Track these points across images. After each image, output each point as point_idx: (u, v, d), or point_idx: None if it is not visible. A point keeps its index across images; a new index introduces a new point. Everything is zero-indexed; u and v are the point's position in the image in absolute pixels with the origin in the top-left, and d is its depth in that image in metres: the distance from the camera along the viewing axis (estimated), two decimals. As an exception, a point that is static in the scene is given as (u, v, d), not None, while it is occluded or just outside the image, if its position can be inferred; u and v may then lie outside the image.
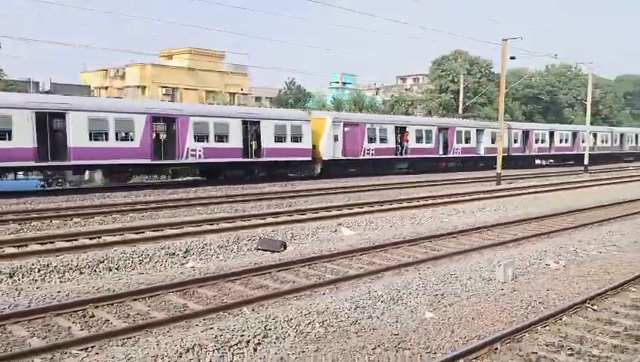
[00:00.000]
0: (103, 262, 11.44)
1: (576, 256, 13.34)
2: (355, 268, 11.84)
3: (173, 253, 12.41)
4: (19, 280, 10.31)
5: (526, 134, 48.80)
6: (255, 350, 7.32)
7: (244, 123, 28.49)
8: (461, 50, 56.76)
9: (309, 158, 31.02)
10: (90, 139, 23.20)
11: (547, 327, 8.30)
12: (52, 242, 12.80)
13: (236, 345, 7.35)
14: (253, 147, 28.60)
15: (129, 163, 24.72)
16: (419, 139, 36.44)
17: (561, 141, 53.04)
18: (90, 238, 13.43)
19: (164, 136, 26.52)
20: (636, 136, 66.23)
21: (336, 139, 32.05)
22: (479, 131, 43.37)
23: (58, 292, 9.53)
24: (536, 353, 7.36)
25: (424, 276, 10.72)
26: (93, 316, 8.51)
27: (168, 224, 15.56)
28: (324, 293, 9.81)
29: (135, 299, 9.23)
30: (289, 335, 7.81)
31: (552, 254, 13.26)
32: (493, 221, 17.91)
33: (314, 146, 31.10)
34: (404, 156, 36.80)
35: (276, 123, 29.63)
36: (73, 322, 8.25)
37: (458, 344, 7.54)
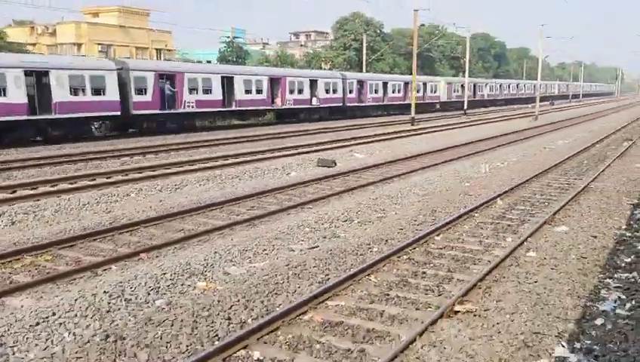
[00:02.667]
0: (239, 176, 17.57)
1: (508, 162, 21.78)
2: (393, 171, 19.03)
3: (277, 168, 18.75)
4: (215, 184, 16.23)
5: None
6: (403, 197, 14.41)
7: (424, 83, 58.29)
8: (358, 12, 64.77)
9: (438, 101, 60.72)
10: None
11: (523, 186, 16.31)
12: (193, 164, 18.67)
13: (390, 197, 14.38)
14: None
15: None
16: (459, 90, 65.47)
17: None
18: (233, 158, 20.19)
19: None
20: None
21: (444, 90, 62.04)
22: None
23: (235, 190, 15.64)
24: (525, 195, 15.26)
25: (443, 171, 18.38)
26: (262, 200, 14.93)
27: (267, 150, 22.03)
28: (397, 181, 16.99)
29: (294, 189, 15.72)
30: (408, 195, 14.94)
31: (495, 161, 21.58)
32: (440, 147, 25.93)
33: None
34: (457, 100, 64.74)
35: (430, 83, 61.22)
36: (273, 199, 14.65)
37: (492, 193, 15.17)
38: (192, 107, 32.51)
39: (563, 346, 6.32)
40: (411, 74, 64.15)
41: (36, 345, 6.14)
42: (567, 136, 33.74)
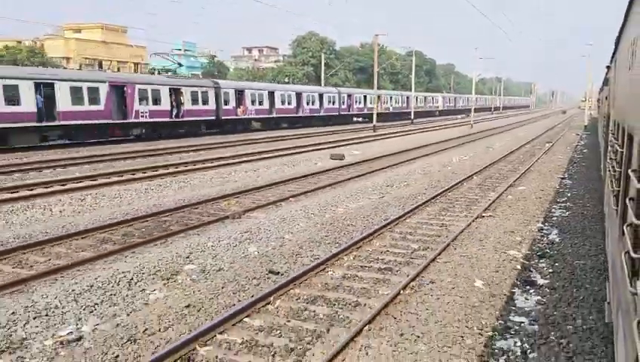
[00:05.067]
0: (287, 164, 23.81)
1: (467, 156, 29.17)
2: (392, 161, 25.79)
3: (304, 160, 25.09)
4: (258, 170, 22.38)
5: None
6: (413, 175, 21.21)
7: (433, 97, 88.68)
8: (313, 31, 71.93)
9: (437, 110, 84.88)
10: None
11: (486, 170, 23.56)
12: (241, 155, 24.65)
13: (404, 175, 21.16)
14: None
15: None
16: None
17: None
18: (268, 153, 26.01)
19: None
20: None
21: (442, 102, 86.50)
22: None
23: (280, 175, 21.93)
24: (490, 174, 22.49)
25: (428, 161, 25.40)
26: (319, 177, 21.39)
27: (293, 147, 28.08)
28: (401, 167, 23.79)
29: (334, 171, 22.19)
30: (414, 174, 21.77)
31: (458, 155, 28.90)
32: (411, 146, 33.06)
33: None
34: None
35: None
36: (325, 176, 21.07)
37: (468, 173, 22.23)
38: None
39: (540, 223, 13.27)
40: (358, 87, 72.12)
41: (293, 226, 12.35)
42: (501, 140, 41.89)
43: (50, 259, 9.59)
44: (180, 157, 25.78)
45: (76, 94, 29.71)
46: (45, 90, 28.58)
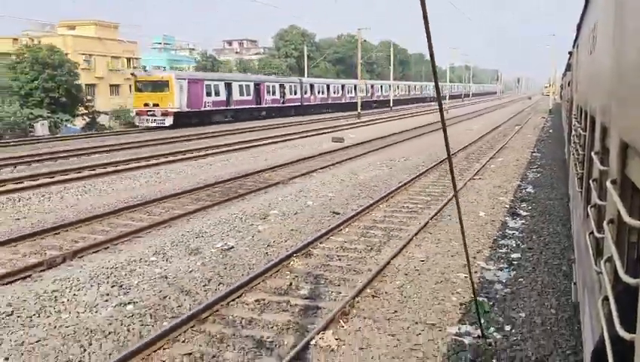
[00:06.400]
0: (297, 146, 27.38)
1: (451, 136, 33.16)
2: (388, 141, 29.53)
3: (310, 143, 28.69)
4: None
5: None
6: (410, 152, 25.04)
7: (427, 85, 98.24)
8: (294, 24, 75.31)
9: (428, 96, 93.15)
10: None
11: (468, 147, 27.53)
12: (254, 140, 28.14)
13: (403, 151, 24.97)
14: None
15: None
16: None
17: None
18: (277, 138, 29.30)
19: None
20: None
21: (431, 89, 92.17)
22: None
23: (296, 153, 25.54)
24: (472, 150, 26.48)
25: (419, 141, 29.27)
26: (332, 155, 25.06)
27: (291, 133, 31.59)
28: (397, 146, 27.57)
29: (340, 150, 25.86)
30: (410, 151, 25.59)
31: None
32: (398, 130, 36.88)
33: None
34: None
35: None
36: (336, 155, 24.73)
37: (454, 149, 26.15)
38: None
39: (519, 182, 17.21)
40: (337, 77, 75.76)
41: (331, 187, 15.98)
42: (476, 123, 46.08)
43: (168, 211, 13.06)
44: (207, 142, 29.12)
45: (241, 89, 46.72)
46: (228, 87, 44.91)
